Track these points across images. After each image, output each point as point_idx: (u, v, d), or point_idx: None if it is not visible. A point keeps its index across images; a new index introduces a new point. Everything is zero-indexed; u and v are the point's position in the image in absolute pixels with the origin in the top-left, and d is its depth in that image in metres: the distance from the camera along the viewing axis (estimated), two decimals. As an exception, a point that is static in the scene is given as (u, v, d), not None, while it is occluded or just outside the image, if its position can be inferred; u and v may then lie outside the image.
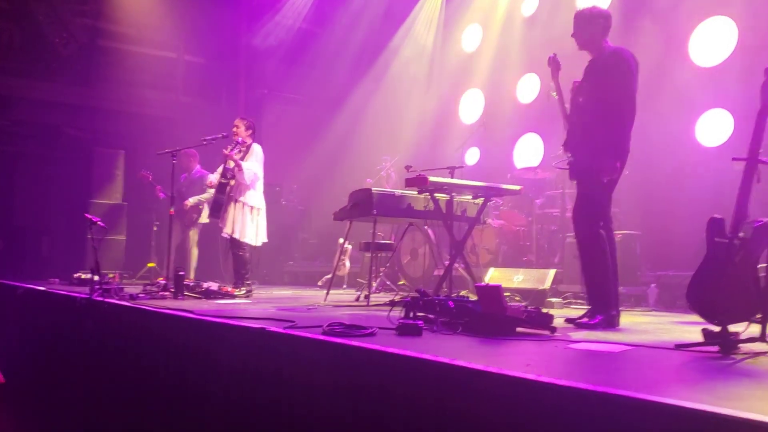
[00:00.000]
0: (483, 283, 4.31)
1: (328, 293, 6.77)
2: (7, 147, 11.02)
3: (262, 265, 10.44)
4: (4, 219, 10.86)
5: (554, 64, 4.83)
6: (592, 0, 6.48)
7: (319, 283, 9.75)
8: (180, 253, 9.02)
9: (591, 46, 4.64)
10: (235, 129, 7.15)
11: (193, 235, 9.10)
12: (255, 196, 7.05)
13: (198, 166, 9.23)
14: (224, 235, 6.98)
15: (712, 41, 7.61)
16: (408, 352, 2.71)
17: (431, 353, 2.66)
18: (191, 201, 8.94)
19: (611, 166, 4.35)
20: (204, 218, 9.03)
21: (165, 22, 11.65)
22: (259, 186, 7.14)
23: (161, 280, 8.11)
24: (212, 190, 8.70)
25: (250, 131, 7.19)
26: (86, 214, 5.86)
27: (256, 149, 7.12)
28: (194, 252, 9.10)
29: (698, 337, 3.17)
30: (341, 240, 8.68)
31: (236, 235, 6.87)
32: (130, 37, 11.82)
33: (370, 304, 6.08)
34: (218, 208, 6.96)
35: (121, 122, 11.18)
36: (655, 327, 4.57)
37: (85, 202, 9.67)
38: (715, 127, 7.47)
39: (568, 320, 4.43)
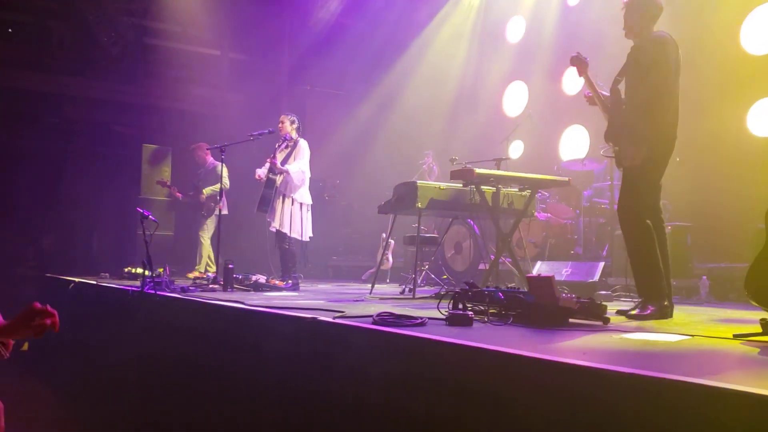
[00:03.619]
0: (535, 274, 4.28)
1: (373, 287, 6.79)
2: (58, 144, 11.32)
3: (307, 260, 10.51)
4: (56, 215, 11.14)
5: (578, 62, 4.75)
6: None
7: (363, 277, 9.80)
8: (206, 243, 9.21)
9: (634, 33, 4.58)
10: (280, 125, 7.23)
11: (209, 225, 9.20)
12: (303, 192, 7.12)
13: (211, 159, 9.39)
14: (272, 229, 7.05)
15: (764, 28, 7.41)
16: (461, 341, 2.71)
17: (484, 342, 2.65)
18: (206, 191, 9.11)
19: (639, 150, 4.29)
20: (223, 209, 9.10)
21: (209, 20, 11.82)
22: (307, 182, 7.20)
23: (211, 274, 8.26)
24: (227, 181, 8.81)
25: (295, 126, 7.26)
26: (138, 208, 5.97)
27: (303, 146, 7.18)
28: (207, 243, 9.20)
29: (756, 328, 3.10)
30: (384, 235, 8.71)
31: (285, 230, 6.95)
32: (176, 35, 12.04)
33: (416, 297, 6.08)
34: (266, 203, 7.04)
35: (168, 119, 11.40)
36: (710, 318, 4.48)
37: (134, 198, 9.88)
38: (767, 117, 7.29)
39: (620, 312, 4.37)
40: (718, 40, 7.55)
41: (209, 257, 9.14)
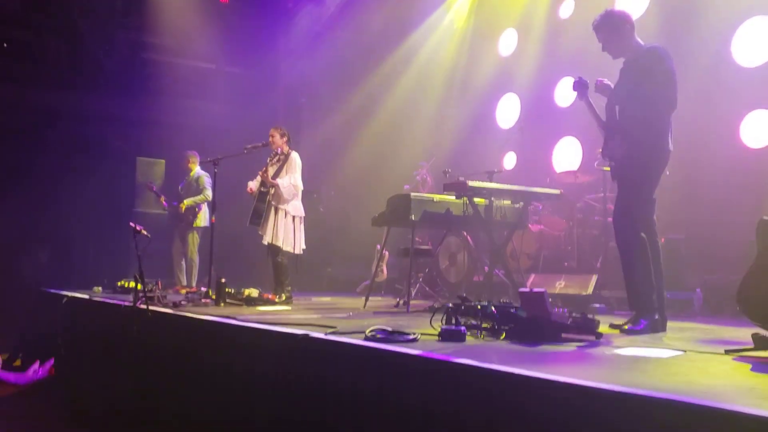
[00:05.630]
0: (527, 289, 4.27)
1: (367, 300, 6.77)
2: (54, 158, 11.28)
3: (301, 272, 10.49)
4: (52, 229, 11.11)
5: (581, 86, 4.78)
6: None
7: (358, 290, 9.77)
8: (177, 259, 9.08)
9: (625, 51, 4.62)
10: (270, 139, 7.20)
11: (193, 239, 9.05)
12: (295, 205, 7.10)
13: (198, 168, 9.27)
14: (264, 242, 7.03)
15: (756, 41, 7.46)
16: (452, 358, 2.71)
17: (476, 359, 2.64)
18: (187, 202, 8.94)
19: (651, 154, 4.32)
20: (201, 221, 8.99)
21: (205, 34, 11.85)
22: (299, 194, 7.18)
23: (183, 291, 8.22)
24: (209, 192, 8.70)
25: (286, 139, 7.24)
26: (131, 223, 5.94)
27: (294, 158, 7.15)
28: (195, 258, 9.04)
29: (748, 342, 3.10)
30: (379, 246, 8.70)
31: (279, 243, 6.92)
32: (172, 49, 12.06)
33: (410, 310, 6.07)
34: (258, 216, 7.01)
35: (163, 132, 11.36)
36: (703, 332, 4.49)
37: (128, 212, 9.85)
38: (760, 128, 7.31)
39: (613, 326, 4.37)
40: (709, 52, 7.58)
41: (181, 272, 9.06)
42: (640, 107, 4.41)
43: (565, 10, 10.03)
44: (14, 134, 10.99)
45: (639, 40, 4.63)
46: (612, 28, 4.60)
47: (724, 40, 7.69)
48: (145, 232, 5.86)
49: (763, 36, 7.38)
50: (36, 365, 2.65)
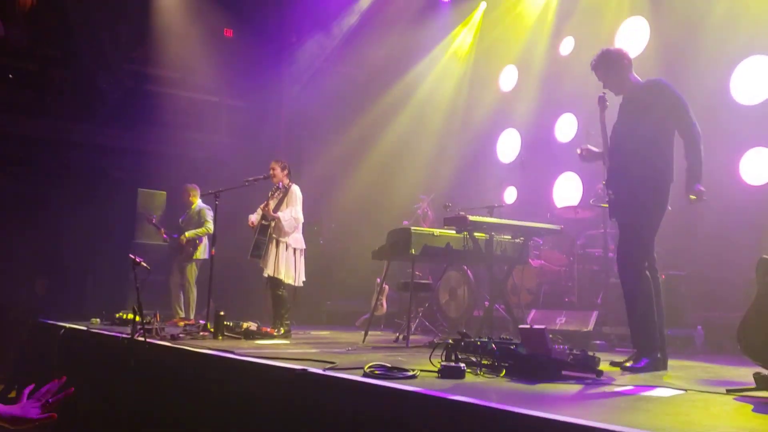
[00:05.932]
0: (527, 325, 4.26)
1: (366, 334, 6.73)
2: (56, 188, 11.31)
3: (300, 305, 10.45)
4: (50, 259, 11.09)
5: (602, 103, 4.84)
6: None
7: (357, 324, 9.72)
8: (175, 291, 9.01)
9: (625, 87, 4.68)
10: (271, 172, 7.24)
11: (191, 271, 8.99)
12: (296, 237, 7.11)
13: (199, 201, 9.24)
14: (265, 275, 7.02)
15: (754, 80, 7.53)
16: (451, 396, 2.68)
17: (475, 397, 2.62)
18: (188, 234, 8.89)
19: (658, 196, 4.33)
20: (201, 254, 8.95)
21: (208, 67, 11.97)
22: (300, 227, 7.19)
23: (181, 323, 8.17)
24: (210, 224, 8.69)
25: (286, 172, 7.29)
26: (130, 254, 5.93)
27: (295, 191, 7.19)
28: (192, 290, 8.96)
29: (750, 382, 3.08)
30: (378, 279, 8.68)
31: (280, 276, 6.92)
32: (175, 82, 12.17)
33: (410, 345, 6.04)
34: (259, 249, 7.02)
35: (165, 164, 11.39)
36: (704, 370, 4.45)
37: (128, 243, 9.83)
38: (759, 166, 7.34)
39: (614, 363, 4.34)
40: (708, 90, 7.63)
41: (179, 304, 8.99)
42: (640, 145, 4.45)
43: (566, 47, 10.14)
44: (16, 164, 11.05)
45: (637, 76, 4.69)
46: (610, 65, 4.67)
47: (723, 78, 7.76)
48: (144, 264, 5.84)
49: (762, 74, 7.46)
50: (48, 390, 2.49)
